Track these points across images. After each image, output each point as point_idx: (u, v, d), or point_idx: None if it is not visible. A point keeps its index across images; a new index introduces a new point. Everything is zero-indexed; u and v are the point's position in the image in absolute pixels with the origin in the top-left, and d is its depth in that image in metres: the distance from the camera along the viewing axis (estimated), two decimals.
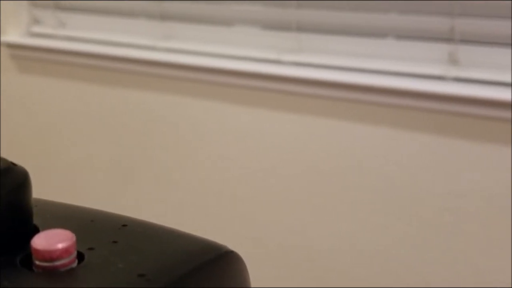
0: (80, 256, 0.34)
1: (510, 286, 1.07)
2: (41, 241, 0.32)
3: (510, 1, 1.03)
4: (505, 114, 1.04)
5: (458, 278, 1.13)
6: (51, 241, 0.32)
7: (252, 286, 0.40)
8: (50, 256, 0.32)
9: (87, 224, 0.39)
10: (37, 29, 1.64)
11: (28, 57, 1.64)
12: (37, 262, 0.33)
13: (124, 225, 0.39)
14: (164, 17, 1.44)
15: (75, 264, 0.34)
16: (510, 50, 1.05)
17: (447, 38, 1.10)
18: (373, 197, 1.19)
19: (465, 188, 1.10)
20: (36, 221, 0.37)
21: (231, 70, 1.33)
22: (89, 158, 1.57)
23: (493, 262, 1.10)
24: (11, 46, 1.65)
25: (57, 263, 0.32)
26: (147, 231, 0.39)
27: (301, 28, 1.27)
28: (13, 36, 1.64)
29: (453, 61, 1.10)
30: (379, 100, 1.15)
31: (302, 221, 1.28)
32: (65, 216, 0.40)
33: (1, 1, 1.65)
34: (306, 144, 1.26)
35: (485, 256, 1.10)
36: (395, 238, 1.18)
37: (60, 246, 0.32)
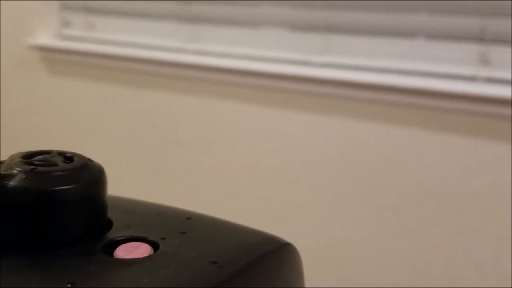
0: (154, 245, 0.36)
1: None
2: (122, 254, 0.34)
3: None
4: None
5: (485, 280, 1.13)
6: (132, 254, 0.34)
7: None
8: None
9: (154, 216, 0.41)
10: (67, 31, 1.67)
11: (58, 59, 1.67)
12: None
13: (188, 218, 0.41)
14: (192, 19, 1.47)
15: (151, 252, 0.36)
16: None
17: (478, 38, 1.10)
18: (403, 199, 1.20)
19: (496, 190, 1.10)
20: (109, 214, 0.39)
21: (259, 72, 1.34)
22: (118, 159, 1.60)
23: None
24: (41, 48, 1.68)
25: None
26: (210, 224, 0.41)
27: (329, 29, 1.28)
28: (43, 38, 1.67)
29: (484, 61, 1.10)
30: (409, 101, 1.16)
31: (329, 223, 1.29)
32: (134, 210, 0.42)
33: (32, 4, 1.68)
34: (335, 146, 1.27)
35: None
36: (422, 240, 1.19)
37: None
